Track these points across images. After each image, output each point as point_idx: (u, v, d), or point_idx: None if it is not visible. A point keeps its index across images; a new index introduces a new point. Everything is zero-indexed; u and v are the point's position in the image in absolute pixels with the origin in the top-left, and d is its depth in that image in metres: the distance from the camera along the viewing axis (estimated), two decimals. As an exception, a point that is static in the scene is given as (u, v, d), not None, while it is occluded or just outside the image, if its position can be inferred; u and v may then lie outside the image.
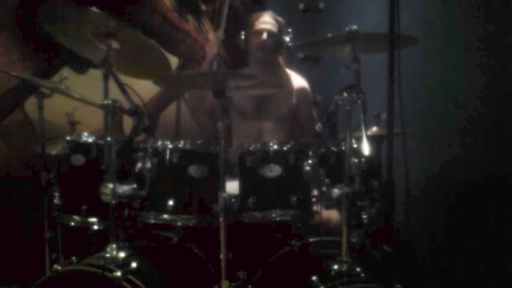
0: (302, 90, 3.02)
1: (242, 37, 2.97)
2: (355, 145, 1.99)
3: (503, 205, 2.85)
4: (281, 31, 2.94)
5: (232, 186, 2.16)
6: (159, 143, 2.18)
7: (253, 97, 2.95)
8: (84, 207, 2.17)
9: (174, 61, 3.79)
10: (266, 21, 2.93)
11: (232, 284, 2.09)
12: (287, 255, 2.33)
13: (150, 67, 2.46)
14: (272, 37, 2.91)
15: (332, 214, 2.42)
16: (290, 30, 2.96)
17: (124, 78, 2.16)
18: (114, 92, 2.07)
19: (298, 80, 3.04)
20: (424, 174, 3.07)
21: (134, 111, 2.17)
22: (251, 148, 2.18)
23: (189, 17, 4.01)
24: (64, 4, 2.09)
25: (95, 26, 2.03)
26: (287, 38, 2.93)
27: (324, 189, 2.07)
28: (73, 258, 2.07)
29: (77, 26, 2.11)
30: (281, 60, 3.07)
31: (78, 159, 2.20)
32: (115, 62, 2.11)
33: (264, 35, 2.90)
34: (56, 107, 2.91)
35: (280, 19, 2.97)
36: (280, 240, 2.39)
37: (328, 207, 2.14)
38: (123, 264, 2.01)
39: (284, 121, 2.95)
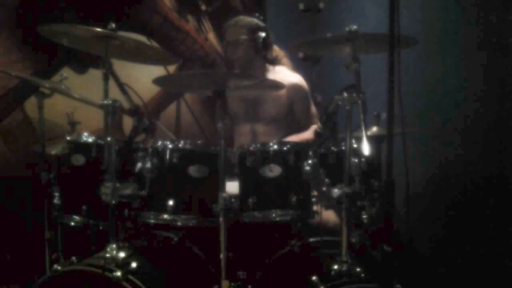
0: (295, 86, 2.89)
1: (224, 50, 2.97)
2: (355, 145, 1.99)
3: (503, 205, 2.85)
4: (253, 31, 2.88)
5: (232, 186, 2.16)
6: (159, 143, 2.17)
7: (243, 99, 2.94)
8: (84, 207, 2.17)
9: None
10: (232, 32, 2.89)
11: (232, 284, 2.08)
12: (287, 255, 2.32)
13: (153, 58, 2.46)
14: (241, 46, 2.87)
15: (329, 215, 2.42)
16: (264, 25, 2.92)
17: (124, 78, 2.16)
18: (114, 92, 2.07)
19: (290, 77, 2.92)
20: (424, 174, 3.07)
21: (134, 111, 2.17)
22: (251, 148, 2.18)
23: (189, 17, 4.01)
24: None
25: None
26: (263, 34, 2.88)
27: (324, 189, 2.07)
28: (73, 258, 2.07)
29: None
30: (281, 56, 3.03)
31: (78, 159, 2.20)
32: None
33: (232, 48, 2.88)
34: (56, 107, 2.92)
35: (249, 19, 2.91)
36: (280, 240, 2.39)
37: (328, 207, 2.14)
38: (123, 264, 2.01)
39: (278, 123, 2.92)
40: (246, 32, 2.87)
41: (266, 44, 2.92)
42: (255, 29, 2.88)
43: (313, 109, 3.01)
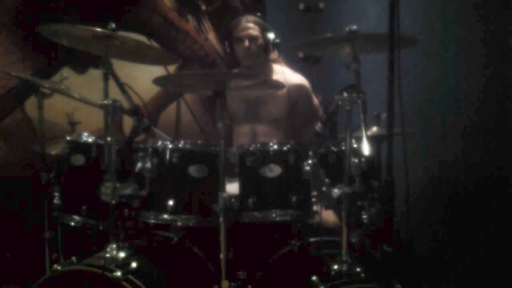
0: (298, 87, 2.92)
1: (227, 47, 2.95)
2: (355, 145, 1.99)
3: (503, 205, 2.85)
4: (263, 31, 2.89)
5: (232, 186, 2.16)
6: (159, 143, 2.18)
7: (243, 100, 2.94)
8: (84, 207, 2.17)
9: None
10: (245, 27, 2.87)
11: (232, 284, 2.09)
12: (287, 255, 2.32)
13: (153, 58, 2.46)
14: (254, 41, 2.87)
15: (329, 215, 2.42)
16: (270, 27, 2.92)
17: (124, 78, 2.16)
18: (114, 92, 2.07)
19: (293, 78, 2.95)
20: (424, 174, 3.07)
21: (134, 111, 2.17)
22: (251, 148, 2.18)
23: (189, 17, 4.02)
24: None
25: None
26: (271, 36, 2.89)
27: (324, 189, 2.07)
28: (73, 258, 2.07)
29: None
30: (276, 57, 3.04)
31: (78, 159, 2.20)
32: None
33: (246, 42, 2.85)
34: (56, 107, 2.92)
35: (259, 19, 2.92)
36: (280, 240, 2.39)
37: (328, 207, 2.14)
38: (123, 264, 2.01)
39: (278, 123, 2.91)
40: (258, 29, 2.88)
41: (274, 45, 2.92)
42: (265, 29, 2.90)
43: (315, 101, 3.01)
